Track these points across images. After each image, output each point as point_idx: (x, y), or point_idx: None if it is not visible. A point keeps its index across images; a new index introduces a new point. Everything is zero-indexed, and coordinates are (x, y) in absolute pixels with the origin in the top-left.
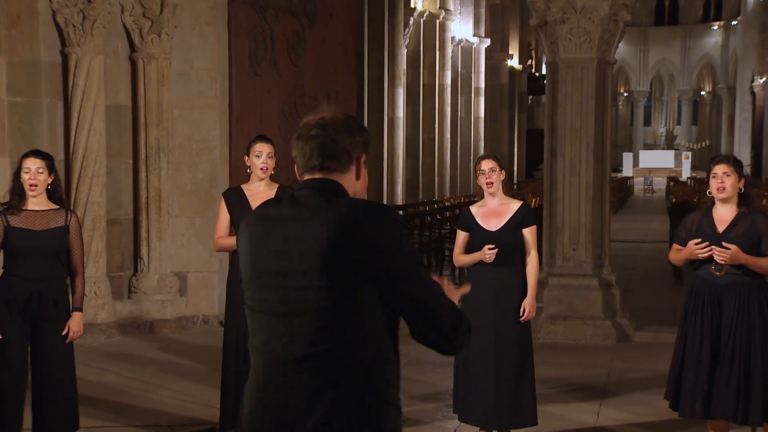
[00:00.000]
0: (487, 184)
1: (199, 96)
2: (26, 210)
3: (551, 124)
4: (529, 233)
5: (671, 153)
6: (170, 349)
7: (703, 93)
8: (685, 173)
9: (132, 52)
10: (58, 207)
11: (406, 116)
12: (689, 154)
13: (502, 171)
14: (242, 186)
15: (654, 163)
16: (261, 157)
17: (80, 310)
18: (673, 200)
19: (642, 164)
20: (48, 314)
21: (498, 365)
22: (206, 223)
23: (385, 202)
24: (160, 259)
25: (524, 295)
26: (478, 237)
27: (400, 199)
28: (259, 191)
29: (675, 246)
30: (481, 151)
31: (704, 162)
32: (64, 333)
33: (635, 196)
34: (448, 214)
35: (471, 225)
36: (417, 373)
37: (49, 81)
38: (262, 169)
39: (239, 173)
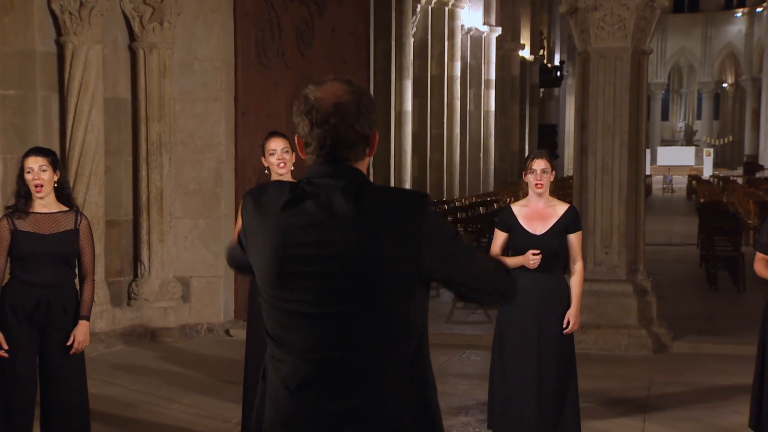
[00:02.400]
0: (536, 185)
1: (203, 88)
2: (34, 213)
3: (581, 118)
4: (575, 239)
5: (691, 149)
6: (175, 360)
7: (725, 85)
8: (707, 171)
9: (132, 42)
10: (67, 209)
11: (413, 110)
12: (711, 150)
13: (553, 171)
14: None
15: (673, 160)
16: (276, 154)
17: (87, 318)
18: (701, 200)
19: (660, 162)
20: (57, 322)
21: (539, 378)
22: (211, 224)
23: None
24: (162, 263)
25: (568, 304)
26: (521, 240)
27: None
28: None
29: (760, 255)
30: (492, 149)
31: (727, 159)
32: (69, 343)
33: (654, 196)
34: (460, 215)
35: (512, 226)
36: (443, 386)
37: (44, 72)
38: (279, 165)
39: (245, 171)
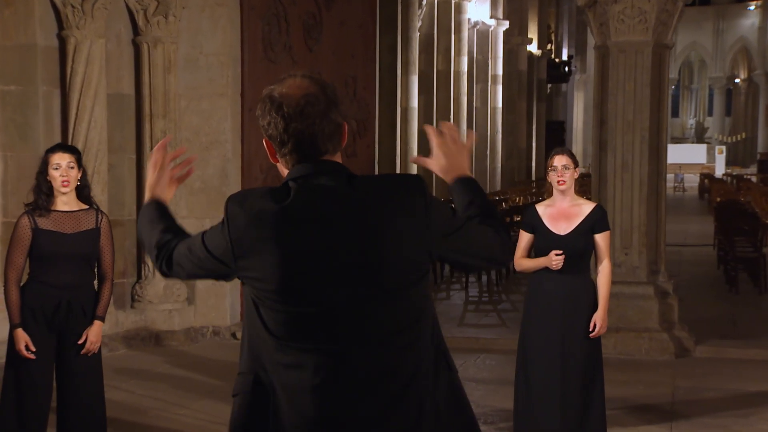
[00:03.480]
0: (558, 182)
1: (209, 84)
2: (55, 211)
3: (600, 114)
4: (601, 239)
5: (703, 147)
6: (181, 364)
7: (737, 80)
8: (719, 169)
9: (136, 36)
10: (87, 207)
11: (419, 106)
12: (723, 148)
13: (576, 169)
14: None
15: (684, 158)
16: None
17: (102, 319)
18: (718, 199)
19: (670, 159)
20: (77, 325)
21: (563, 383)
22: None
23: None
24: None
25: (594, 307)
26: (545, 240)
27: None
28: None
29: None
30: (499, 146)
31: (739, 157)
32: (80, 342)
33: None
34: None
35: (537, 226)
36: None
37: (46, 67)
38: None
39: (252, 169)
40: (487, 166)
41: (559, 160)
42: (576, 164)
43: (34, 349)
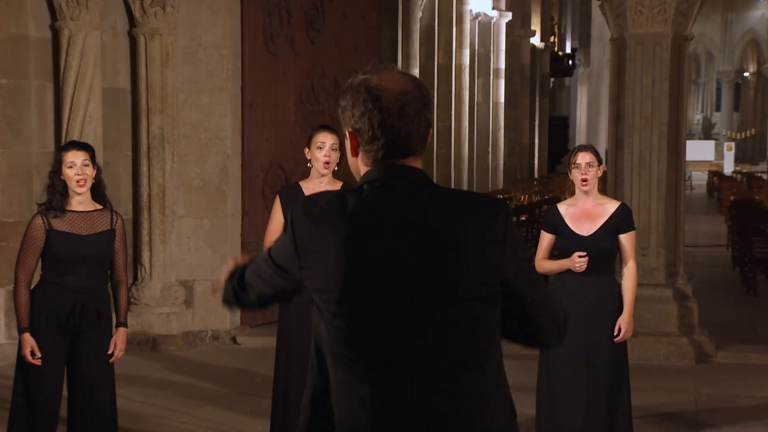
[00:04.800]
0: (582, 180)
1: (208, 78)
2: (70, 211)
3: (616, 110)
4: (626, 240)
5: (711, 144)
6: (181, 370)
7: (746, 74)
8: (728, 167)
9: (132, 28)
10: (102, 207)
11: None
12: (732, 145)
13: (600, 166)
14: (300, 183)
15: (691, 155)
16: (324, 149)
17: (126, 325)
18: (731, 198)
19: None
20: (90, 330)
21: (588, 390)
22: (216, 224)
23: None
24: (164, 265)
25: (619, 311)
26: (567, 241)
27: None
28: (319, 190)
29: None
30: (501, 142)
31: (748, 154)
32: (110, 351)
33: None
34: None
35: (559, 226)
36: None
37: (38, 60)
38: (325, 163)
39: (252, 167)
40: (488, 164)
41: (583, 158)
42: (600, 161)
43: (39, 355)
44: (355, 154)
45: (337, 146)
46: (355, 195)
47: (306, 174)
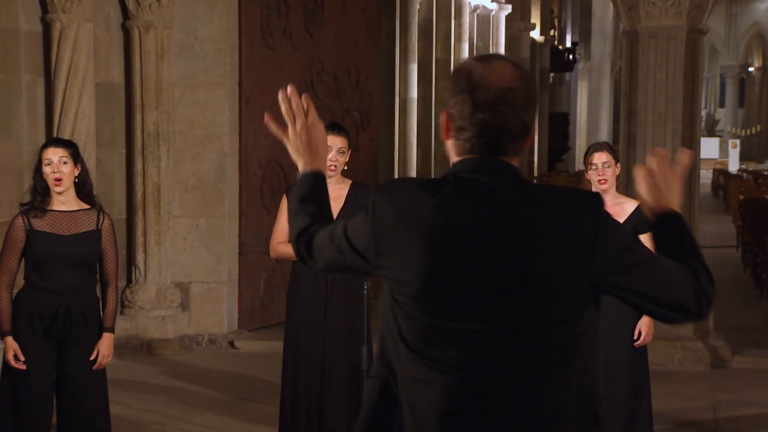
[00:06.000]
0: (600, 180)
1: (204, 73)
2: (52, 210)
3: (628, 106)
4: (645, 240)
5: (715, 141)
6: (177, 375)
7: (751, 69)
8: (733, 165)
9: (126, 20)
10: (88, 207)
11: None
12: (737, 142)
13: (618, 164)
14: None
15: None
16: (330, 152)
17: (112, 330)
18: (740, 198)
19: None
20: (77, 334)
21: (606, 395)
22: (213, 224)
23: None
24: (159, 267)
25: (638, 314)
26: None
27: None
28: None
29: None
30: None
31: (753, 151)
32: (92, 357)
33: None
34: None
35: None
36: None
37: (29, 54)
38: (330, 167)
39: (250, 165)
40: None
41: (599, 157)
42: (617, 159)
43: (23, 359)
44: (447, 137)
45: (345, 149)
46: (439, 186)
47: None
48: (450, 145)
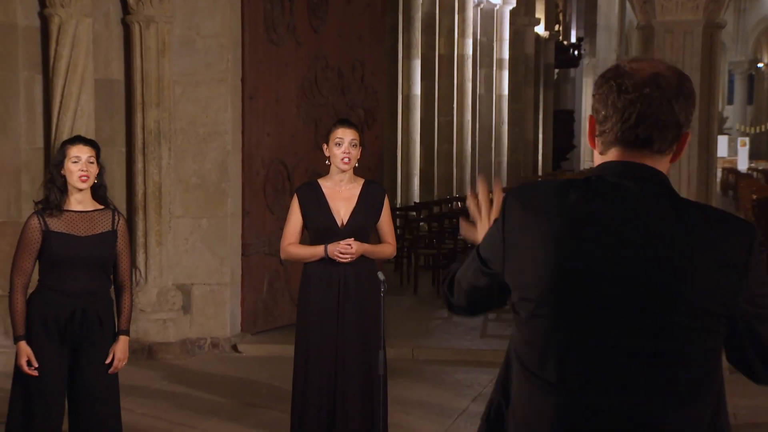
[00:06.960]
0: None
1: (206, 69)
2: (68, 210)
3: None
4: None
5: (724, 139)
6: (180, 380)
7: (760, 65)
8: (742, 163)
9: (126, 15)
10: (103, 207)
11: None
12: (746, 140)
13: None
14: (319, 181)
15: None
16: (342, 145)
17: (127, 333)
18: (753, 197)
19: None
20: (92, 337)
21: None
22: (215, 224)
23: (399, 199)
24: (160, 268)
25: None
26: None
27: (416, 196)
28: (340, 188)
29: None
30: (504, 138)
31: (763, 150)
32: (108, 361)
33: None
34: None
35: None
36: None
37: (27, 50)
38: (343, 159)
39: (253, 163)
40: (492, 160)
41: None
42: None
43: (36, 365)
44: (592, 141)
45: (357, 142)
46: (579, 188)
47: (307, 171)
48: (595, 149)
